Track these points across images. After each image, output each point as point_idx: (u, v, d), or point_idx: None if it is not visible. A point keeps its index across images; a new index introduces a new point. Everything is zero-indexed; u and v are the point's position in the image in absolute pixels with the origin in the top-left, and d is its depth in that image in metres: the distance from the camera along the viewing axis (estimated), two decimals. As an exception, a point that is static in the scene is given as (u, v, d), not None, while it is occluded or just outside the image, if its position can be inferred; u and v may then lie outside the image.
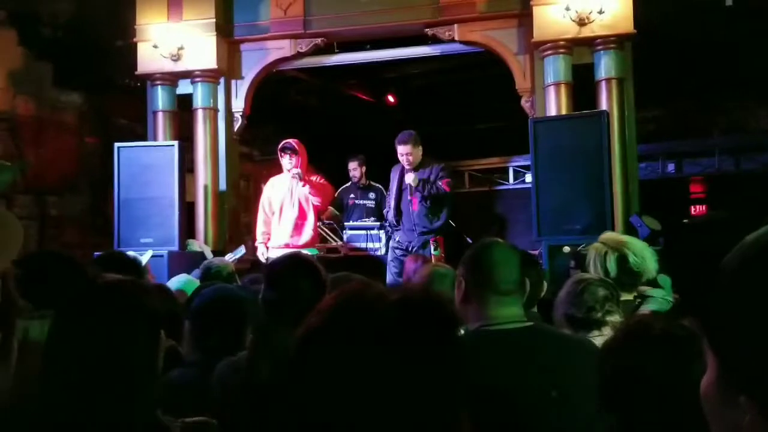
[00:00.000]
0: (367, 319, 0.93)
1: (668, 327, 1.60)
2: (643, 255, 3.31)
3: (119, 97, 8.70)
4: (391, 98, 11.41)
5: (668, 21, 7.76)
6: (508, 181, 10.92)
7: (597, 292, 2.74)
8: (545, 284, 3.44)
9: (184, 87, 7.87)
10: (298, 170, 6.60)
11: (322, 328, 0.96)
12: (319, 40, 7.75)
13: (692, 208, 10.66)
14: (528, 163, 6.99)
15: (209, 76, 7.76)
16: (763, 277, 0.67)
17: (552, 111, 6.82)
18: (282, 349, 2.09)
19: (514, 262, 2.21)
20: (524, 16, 7.07)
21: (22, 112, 7.92)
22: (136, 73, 7.78)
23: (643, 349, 1.56)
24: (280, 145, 6.78)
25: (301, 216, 6.70)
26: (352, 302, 0.97)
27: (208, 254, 6.87)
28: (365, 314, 0.94)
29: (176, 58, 7.61)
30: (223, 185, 7.88)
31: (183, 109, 7.89)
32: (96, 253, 4.66)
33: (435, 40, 7.58)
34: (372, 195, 7.84)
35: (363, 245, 7.20)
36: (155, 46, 7.56)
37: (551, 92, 6.87)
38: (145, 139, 7.85)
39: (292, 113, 10.40)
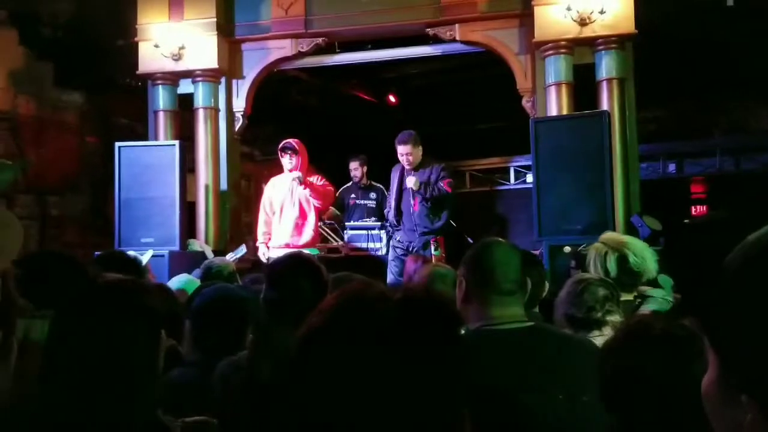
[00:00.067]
0: (369, 319, 0.93)
1: (669, 327, 1.60)
2: (644, 255, 3.31)
3: (120, 97, 8.70)
4: (392, 98, 11.41)
5: (669, 21, 7.76)
6: (509, 181, 10.92)
7: (597, 292, 2.74)
8: (547, 284, 3.44)
9: (185, 86, 7.87)
10: (299, 174, 6.58)
11: (324, 328, 0.96)
12: (320, 40, 7.75)
13: (693, 209, 10.66)
14: (529, 163, 7.00)
15: (210, 76, 7.76)
16: (764, 276, 0.67)
17: (553, 111, 6.82)
18: (283, 349, 2.09)
19: (515, 262, 2.21)
20: (525, 16, 7.07)
21: (23, 112, 7.92)
22: (137, 72, 7.79)
23: (644, 349, 1.56)
24: (280, 145, 6.78)
25: (302, 216, 6.70)
26: (354, 302, 0.97)
27: (209, 254, 6.87)
28: (367, 314, 0.94)
29: (177, 57, 7.61)
30: (224, 185, 7.88)
31: (184, 108, 7.89)
32: (96, 253, 4.66)
33: (436, 40, 7.58)
34: (373, 195, 7.84)
35: (364, 245, 7.20)
36: (156, 46, 7.56)
37: (552, 92, 6.86)
38: (146, 138, 7.86)
39: (293, 113, 10.40)
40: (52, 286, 2.19)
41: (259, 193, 7.56)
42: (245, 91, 7.98)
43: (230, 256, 6.49)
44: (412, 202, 6.59)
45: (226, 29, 7.80)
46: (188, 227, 7.31)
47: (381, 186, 7.77)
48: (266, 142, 9.96)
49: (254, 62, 7.99)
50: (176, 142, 7.18)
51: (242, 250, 6.75)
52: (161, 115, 7.79)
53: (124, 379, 1.50)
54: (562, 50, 6.82)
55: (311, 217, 6.73)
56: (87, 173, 8.62)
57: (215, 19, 7.65)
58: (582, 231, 5.77)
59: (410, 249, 6.53)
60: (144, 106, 8.00)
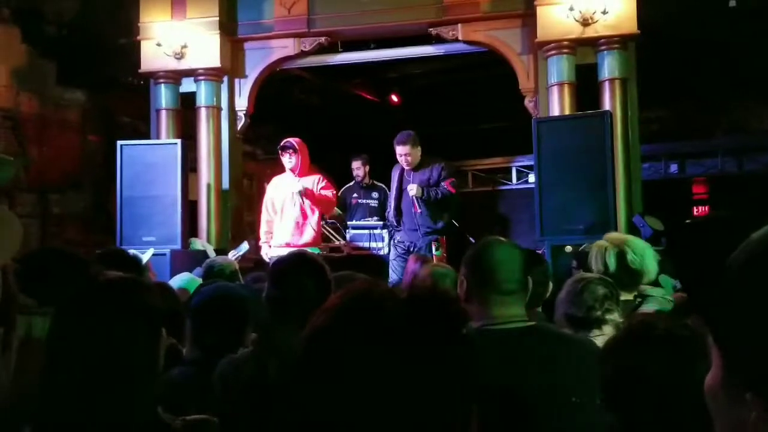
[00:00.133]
0: (378, 318, 0.93)
1: (671, 327, 1.60)
2: (644, 254, 3.30)
3: (122, 95, 8.71)
4: (394, 98, 11.41)
5: (672, 21, 7.75)
6: (512, 181, 10.93)
7: (597, 291, 2.74)
8: (551, 284, 3.44)
9: (187, 85, 7.87)
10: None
11: (331, 327, 0.96)
12: (322, 39, 7.75)
13: (695, 209, 10.65)
14: (531, 163, 7.00)
15: (212, 75, 7.76)
16: (768, 273, 0.67)
17: (555, 111, 6.82)
18: (287, 348, 2.09)
19: (517, 262, 2.20)
20: (528, 16, 7.07)
21: (25, 110, 7.93)
22: (140, 71, 7.79)
23: (646, 349, 1.56)
24: (280, 144, 6.77)
25: (303, 215, 6.69)
26: (361, 301, 0.97)
27: (211, 253, 6.87)
28: (374, 313, 0.94)
29: (180, 56, 7.61)
30: (226, 184, 7.88)
31: (186, 107, 7.89)
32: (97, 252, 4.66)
33: (439, 40, 7.58)
34: (375, 194, 7.84)
35: (366, 244, 7.19)
36: (159, 45, 7.56)
37: (555, 92, 6.86)
38: (148, 137, 7.86)
39: (296, 112, 10.40)
40: (54, 283, 2.19)
41: (261, 192, 7.56)
42: (247, 90, 7.99)
43: (232, 254, 6.50)
44: (412, 201, 6.54)
45: (228, 28, 7.80)
46: (190, 226, 7.31)
47: (383, 185, 7.76)
48: (268, 141, 9.97)
49: (257, 61, 7.99)
50: (178, 141, 7.19)
51: (244, 247, 6.75)
52: (163, 114, 7.79)
53: (125, 377, 1.50)
54: (565, 50, 6.82)
55: (312, 217, 6.72)
56: (89, 171, 8.62)
57: (218, 18, 7.65)
58: (584, 231, 5.77)
59: (411, 249, 6.50)
60: (146, 105, 8.01)
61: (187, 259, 6.60)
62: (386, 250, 7.04)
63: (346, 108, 11.30)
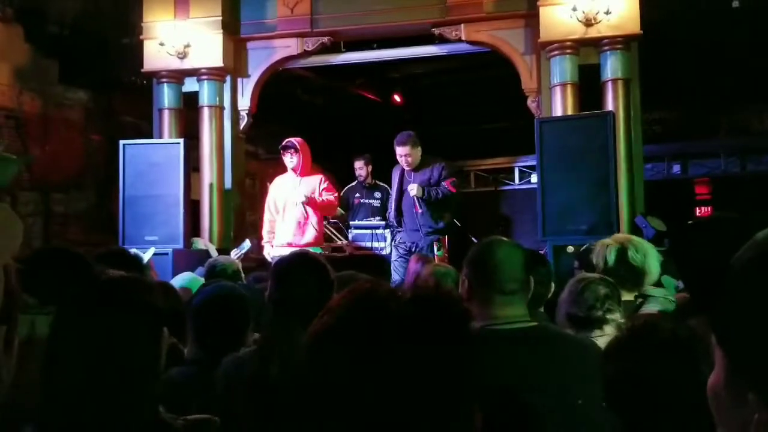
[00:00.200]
0: (383, 318, 0.93)
1: (674, 328, 1.59)
2: (646, 253, 3.29)
3: (125, 95, 8.72)
4: (397, 98, 11.41)
5: (675, 22, 7.74)
6: (514, 182, 10.93)
7: (597, 290, 2.74)
8: (553, 284, 3.43)
9: (190, 85, 7.88)
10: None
11: (335, 328, 0.96)
12: (325, 39, 7.75)
13: (697, 210, 10.64)
14: (534, 163, 6.99)
15: (215, 74, 7.77)
16: (773, 274, 0.67)
17: (558, 111, 6.81)
18: (290, 348, 2.09)
19: (519, 261, 2.19)
20: (531, 17, 7.07)
21: (28, 109, 7.93)
22: (143, 70, 7.80)
23: (649, 350, 1.55)
24: (281, 144, 6.77)
25: (305, 215, 6.68)
26: (364, 301, 0.97)
27: (213, 252, 6.88)
28: (380, 313, 0.94)
29: (182, 55, 7.62)
30: (228, 183, 7.89)
31: (189, 106, 7.90)
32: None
33: (442, 40, 7.58)
34: (377, 194, 7.83)
35: (368, 244, 7.19)
36: (162, 44, 7.57)
37: (557, 92, 6.86)
38: (150, 136, 7.87)
39: (298, 112, 10.40)
40: (56, 283, 2.19)
41: (263, 192, 7.56)
42: (250, 89, 7.99)
43: (234, 253, 6.50)
44: (413, 202, 6.52)
45: (231, 28, 7.81)
46: (192, 225, 7.32)
47: (386, 185, 7.75)
48: (271, 141, 9.96)
49: (259, 61, 8.00)
50: (181, 141, 7.20)
51: (246, 245, 6.76)
52: (166, 114, 7.80)
53: (126, 377, 1.50)
54: (568, 50, 6.81)
55: (314, 217, 6.72)
56: (91, 171, 8.63)
57: (221, 18, 7.66)
58: (586, 231, 5.77)
59: (413, 249, 6.47)
60: (149, 104, 8.01)
61: (189, 258, 6.60)
62: (389, 250, 7.03)
63: (349, 108, 11.31)
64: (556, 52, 6.85)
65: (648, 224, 5.95)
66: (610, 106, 6.68)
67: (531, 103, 7.23)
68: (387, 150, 6.75)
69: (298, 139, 6.71)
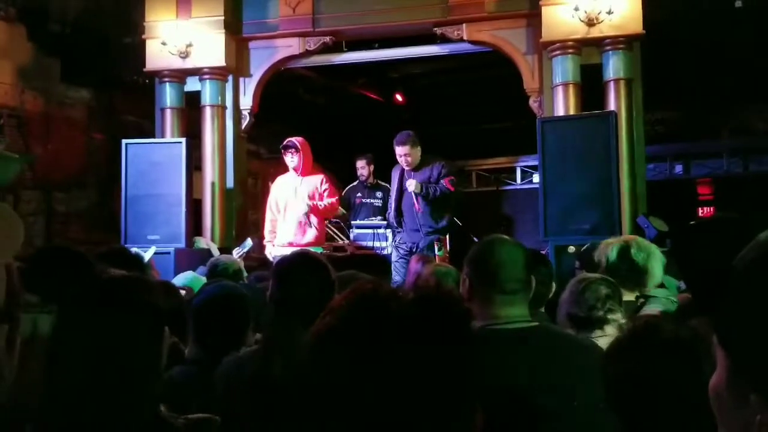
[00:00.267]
0: (386, 318, 0.93)
1: (675, 329, 1.59)
2: (649, 252, 3.28)
3: (127, 94, 8.73)
4: (399, 97, 11.41)
5: (677, 22, 7.73)
6: (516, 181, 10.92)
7: (598, 291, 2.73)
8: (553, 284, 3.42)
9: (192, 84, 7.89)
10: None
11: (339, 327, 0.96)
12: (327, 39, 7.76)
13: (700, 210, 10.63)
14: (535, 163, 6.99)
15: (217, 74, 7.78)
16: (775, 275, 0.67)
17: (560, 111, 6.81)
18: (291, 347, 2.09)
19: (520, 261, 2.17)
20: (533, 16, 7.06)
21: (30, 108, 7.94)
22: (145, 69, 7.81)
23: (651, 351, 1.55)
24: (282, 143, 6.77)
25: (306, 215, 6.68)
26: (368, 301, 0.97)
27: (215, 252, 6.88)
28: (383, 313, 0.94)
29: (185, 55, 7.63)
30: (230, 182, 7.89)
31: (191, 106, 7.91)
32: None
33: (444, 40, 7.58)
34: (379, 194, 7.82)
35: (369, 244, 7.18)
36: (164, 43, 7.57)
37: (559, 92, 6.85)
38: (152, 136, 7.88)
39: (300, 111, 10.41)
40: (58, 281, 2.19)
41: (265, 191, 7.57)
42: (252, 88, 8.00)
43: (236, 252, 6.51)
44: (413, 201, 6.51)
45: (233, 27, 7.81)
46: (194, 225, 7.32)
47: (387, 185, 7.73)
48: (273, 140, 9.95)
49: (261, 60, 8.00)
50: (183, 140, 7.20)
51: (248, 244, 6.76)
52: (168, 113, 7.81)
53: (127, 376, 1.50)
54: (570, 50, 6.81)
55: (315, 217, 6.72)
56: (93, 170, 8.64)
57: (223, 17, 7.67)
58: (588, 231, 5.76)
59: (414, 250, 6.45)
60: (151, 104, 8.02)
61: (191, 257, 6.61)
62: (390, 250, 7.03)
63: (351, 107, 11.31)
64: (558, 52, 6.85)
65: (650, 224, 5.95)
66: (612, 106, 6.67)
67: (533, 103, 7.23)
68: (389, 150, 6.75)
69: (299, 138, 6.70)
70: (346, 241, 7.34)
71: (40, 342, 1.96)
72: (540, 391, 1.96)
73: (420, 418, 0.90)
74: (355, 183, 8.05)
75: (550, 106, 6.99)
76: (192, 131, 7.81)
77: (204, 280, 4.22)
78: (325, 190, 6.71)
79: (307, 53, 7.88)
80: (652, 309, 3.02)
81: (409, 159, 6.48)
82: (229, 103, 7.92)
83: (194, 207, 7.31)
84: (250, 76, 8.02)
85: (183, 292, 4.25)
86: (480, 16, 7.31)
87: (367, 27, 7.67)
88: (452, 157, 7.17)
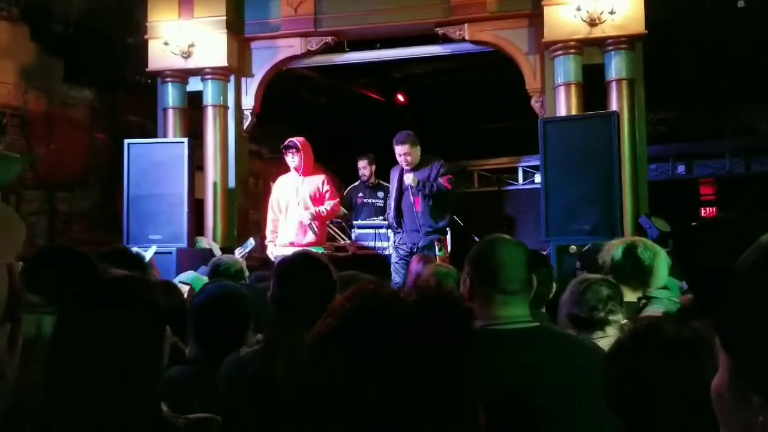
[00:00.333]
0: (384, 319, 0.93)
1: (677, 330, 1.59)
2: (656, 253, 3.27)
3: (130, 94, 8.74)
4: (401, 97, 11.41)
5: (680, 22, 7.72)
6: (518, 182, 10.91)
7: (600, 292, 2.72)
8: (554, 285, 3.42)
9: (194, 84, 7.89)
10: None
11: (339, 329, 0.96)
12: (329, 39, 7.76)
13: (702, 210, 10.62)
14: (537, 163, 6.98)
15: (219, 74, 7.78)
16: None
17: (562, 111, 6.80)
18: (293, 347, 2.09)
19: (521, 261, 2.16)
20: (535, 16, 7.06)
21: (33, 108, 7.96)
22: (147, 70, 7.81)
23: (653, 352, 1.54)
24: (283, 144, 6.77)
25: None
26: (370, 302, 0.97)
27: (217, 251, 6.88)
28: (385, 314, 0.94)
29: (187, 55, 7.63)
30: (232, 182, 7.90)
31: (193, 106, 7.91)
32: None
33: (445, 40, 7.57)
34: (381, 194, 7.82)
35: (371, 244, 7.18)
36: (166, 43, 7.58)
37: (561, 92, 6.84)
38: (155, 135, 7.89)
39: (302, 111, 10.41)
40: (61, 281, 2.19)
41: (266, 191, 7.57)
42: (254, 88, 8.00)
43: (238, 252, 6.52)
44: (413, 201, 6.51)
45: (235, 27, 7.82)
46: (196, 224, 7.32)
47: (389, 185, 7.75)
48: (274, 140, 9.95)
49: (263, 60, 8.00)
50: (185, 140, 7.21)
51: (250, 244, 6.76)
52: (170, 113, 7.82)
53: (128, 375, 1.50)
54: (572, 50, 6.80)
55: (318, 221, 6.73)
56: (96, 169, 8.65)
57: (225, 17, 7.67)
58: (590, 231, 5.75)
59: (414, 250, 6.44)
60: (153, 104, 8.03)
61: (193, 257, 6.61)
62: (391, 250, 7.03)
63: (353, 107, 11.31)
64: (560, 52, 6.84)
65: (652, 225, 5.94)
66: (614, 106, 6.67)
67: (535, 103, 7.22)
68: (390, 150, 6.75)
69: (300, 138, 6.71)
70: (348, 241, 7.34)
71: (42, 343, 1.96)
72: (540, 392, 1.96)
73: (421, 418, 0.90)
74: (356, 183, 8.06)
75: (552, 107, 6.98)
76: (194, 131, 7.81)
77: (205, 279, 4.23)
78: (327, 191, 6.71)
79: (309, 53, 7.88)
80: (654, 310, 3.02)
81: (408, 158, 6.48)
82: (231, 103, 7.92)
83: (196, 207, 7.31)
84: (252, 76, 8.02)
85: (186, 288, 4.26)
86: (482, 16, 7.31)
87: (369, 27, 7.67)
88: (454, 157, 7.17)
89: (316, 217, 6.61)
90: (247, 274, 4.71)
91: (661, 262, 3.26)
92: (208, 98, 7.80)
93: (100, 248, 3.57)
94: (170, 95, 7.81)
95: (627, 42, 6.71)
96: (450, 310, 0.96)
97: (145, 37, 7.78)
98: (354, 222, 7.56)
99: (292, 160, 6.67)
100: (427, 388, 0.90)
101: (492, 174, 11.19)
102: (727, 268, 0.71)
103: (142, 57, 7.80)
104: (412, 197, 6.50)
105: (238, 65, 7.91)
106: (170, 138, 7.60)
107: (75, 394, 1.48)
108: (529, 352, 2.06)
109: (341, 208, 7.47)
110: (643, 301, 3.15)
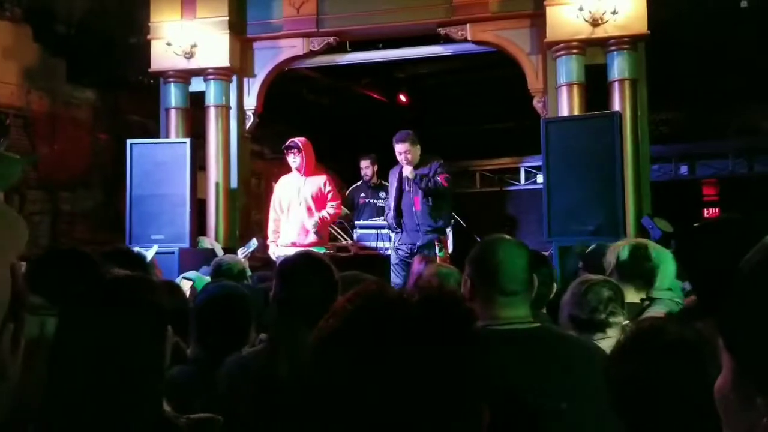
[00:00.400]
0: (391, 320, 0.93)
1: (680, 331, 1.58)
2: (663, 255, 3.25)
3: (132, 94, 8.75)
4: (403, 97, 11.41)
5: (682, 22, 7.72)
6: (520, 182, 10.91)
7: (601, 293, 2.71)
8: (555, 285, 3.41)
9: (196, 84, 7.90)
10: (316, 219, 6.59)
11: (341, 330, 0.96)
12: (331, 39, 7.76)
13: (705, 211, 10.61)
14: (539, 163, 6.98)
15: (222, 74, 7.79)
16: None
17: (564, 111, 6.79)
18: (295, 348, 2.09)
19: (522, 261, 2.16)
20: (537, 16, 7.05)
21: (35, 108, 7.97)
22: (150, 70, 7.82)
23: (655, 354, 1.54)
24: (284, 144, 6.77)
25: (309, 215, 6.68)
26: (373, 303, 0.97)
27: (219, 251, 6.89)
28: (388, 315, 0.94)
29: (189, 55, 7.64)
30: (234, 183, 7.90)
31: (195, 106, 7.92)
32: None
33: (447, 40, 7.57)
34: (383, 194, 7.82)
35: (373, 244, 7.18)
36: (169, 44, 7.58)
37: (564, 93, 6.84)
38: (157, 136, 7.89)
39: (304, 111, 10.42)
40: (64, 281, 2.19)
41: (269, 191, 7.57)
42: (256, 89, 8.00)
43: (241, 252, 6.52)
44: (413, 201, 6.50)
45: (238, 28, 7.82)
46: (198, 224, 7.33)
47: (390, 186, 7.75)
48: (277, 141, 9.94)
49: (266, 61, 8.01)
50: (187, 140, 7.22)
51: (253, 244, 6.76)
52: (173, 113, 7.82)
53: (131, 375, 1.50)
54: (574, 50, 6.79)
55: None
56: (98, 170, 8.66)
57: (227, 18, 7.68)
58: (592, 232, 5.75)
59: (414, 251, 6.43)
60: (156, 104, 8.04)
61: (195, 257, 6.62)
62: (391, 251, 7.02)
63: (355, 108, 11.31)
64: (562, 52, 6.83)
65: (655, 225, 5.93)
66: (616, 106, 6.66)
67: (537, 104, 7.22)
68: (392, 150, 6.75)
69: (302, 138, 6.71)
70: (350, 242, 7.34)
71: (46, 344, 1.96)
72: (540, 393, 1.95)
73: (423, 418, 0.90)
74: (358, 183, 8.06)
75: (554, 107, 6.97)
76: (196, 131, 7.82)
77: (208, 279, 4.23)
78: (329, 192, 6.71)
79: (311, 53, 7.88)
80: (656, 311, 3.01)
81: (408, 157, 6.48)
82: (233, 103, 7.93)
83: (198, 207, 7.32)
84: (254, 76, 8.03)
85: (189, 284, 4.26)
86: (484, 16, 7.30)
87: (371, 27, 7.67)
88: (456, 157, 7.17)
89: (320, 222, 6.62)
90: (249, 274, 4.72)
91: (669, 265, 3.23)
92: (211, 98, 7.80)
93: (104, 248, 3.58)
94: (173, 95, 7.81)
95: (629, 42, 6.70)
96: (452, 311, 0.96)
97: (148, 37, 7.79)
98: (356, 222, 7.57)
99: (293, 160, 6.67)
100: (429, 389, 0.90)
101: (494, 174, 11.18)
102: (731, 269, 0.71)
103: (144, 57, 7.80)
104: (411, 197, 6.50)
105: (241, 65, 7.92)
106: (173, 138, 7.61)
107: (77, 394, 1.48)
108: (529, 353, 2.05)
109: (343, 208, 7.47)
110: (646, 302, 3.14)
